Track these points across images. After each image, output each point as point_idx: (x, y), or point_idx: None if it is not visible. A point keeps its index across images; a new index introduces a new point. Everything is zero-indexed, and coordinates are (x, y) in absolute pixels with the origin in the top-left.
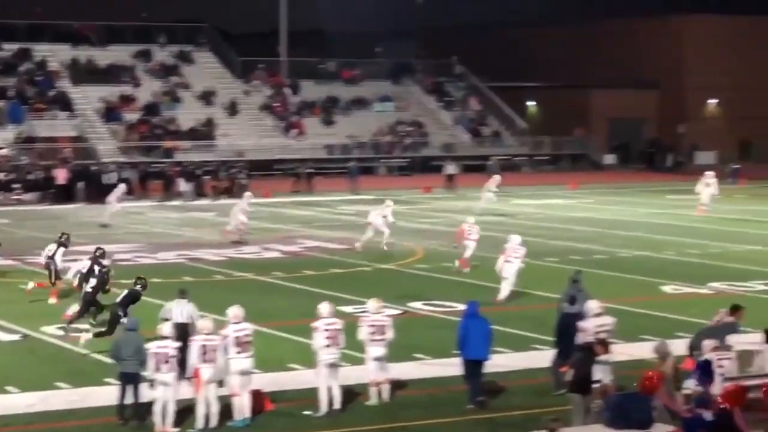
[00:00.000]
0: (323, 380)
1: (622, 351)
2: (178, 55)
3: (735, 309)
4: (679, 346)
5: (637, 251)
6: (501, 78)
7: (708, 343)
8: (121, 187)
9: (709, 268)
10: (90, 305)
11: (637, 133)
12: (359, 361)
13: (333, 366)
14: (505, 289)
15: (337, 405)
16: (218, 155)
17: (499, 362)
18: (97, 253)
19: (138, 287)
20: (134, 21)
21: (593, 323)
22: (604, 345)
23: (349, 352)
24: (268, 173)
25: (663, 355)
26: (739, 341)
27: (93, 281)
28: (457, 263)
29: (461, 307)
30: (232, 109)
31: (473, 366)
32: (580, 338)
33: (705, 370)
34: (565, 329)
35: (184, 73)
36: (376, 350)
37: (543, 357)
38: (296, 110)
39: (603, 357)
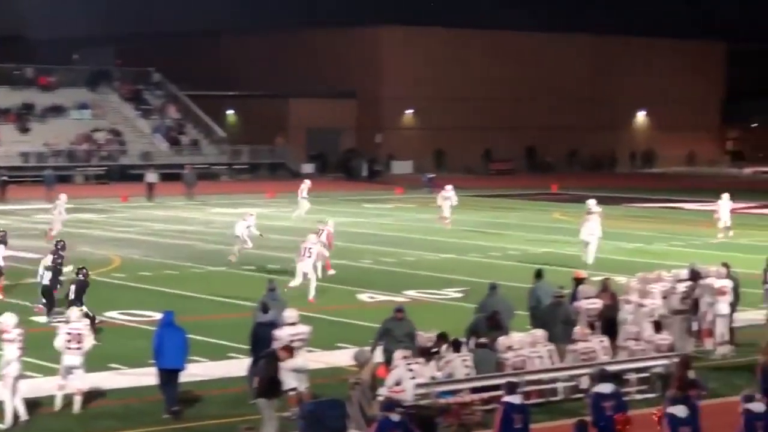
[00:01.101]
0: (9, 392)
1: (318, 359)
2: None
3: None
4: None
5: (334, 260)
6: (201, 87)
7: (399, 353)
8: None
9: (405, 276)
10: (47, 296)
11: (334, 142)
12: (52, 372)
13: (18, 378)
14: (311, 290)
15: (23, 416)
16: None
17: (196, 371)
18: (58, 246)
19: (80, 276)
20: None
21: (288, 332)
22: (288, 349)
23: (42, 363)
24: None
25: (362, 363)
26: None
27: (48, 274)
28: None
29: (157, 316)
30: None
31: (168, 375)
32: (276, 346)
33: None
34: (259, 338)
35: None
36: (71, 359)
37: (240, 366)
38: None
39: (292, 363)
